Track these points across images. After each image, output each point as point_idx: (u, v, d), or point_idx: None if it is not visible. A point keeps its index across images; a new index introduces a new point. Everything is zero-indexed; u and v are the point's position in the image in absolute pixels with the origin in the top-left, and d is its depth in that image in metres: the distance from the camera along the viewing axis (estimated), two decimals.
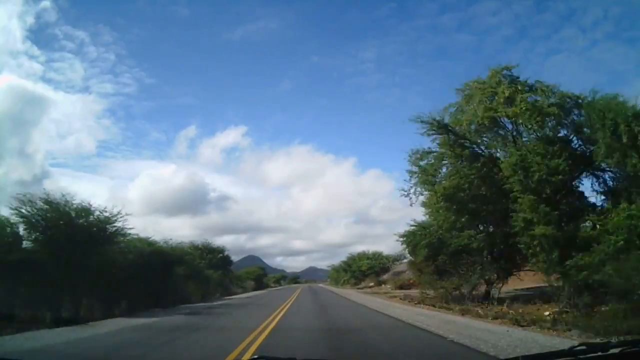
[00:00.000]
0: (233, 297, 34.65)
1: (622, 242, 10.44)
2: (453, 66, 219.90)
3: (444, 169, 17.61)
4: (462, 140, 16.60)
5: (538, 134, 15.03)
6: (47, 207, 14.97)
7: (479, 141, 17.40)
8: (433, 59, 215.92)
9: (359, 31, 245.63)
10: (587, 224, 12.86)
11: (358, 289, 48.57)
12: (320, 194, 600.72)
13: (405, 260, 39.80)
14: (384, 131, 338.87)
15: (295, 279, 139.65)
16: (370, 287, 47.52)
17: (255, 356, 2.79)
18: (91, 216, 16.05)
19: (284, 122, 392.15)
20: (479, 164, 16.13)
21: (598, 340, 6.79)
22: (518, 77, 15.96)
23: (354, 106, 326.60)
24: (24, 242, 15.34)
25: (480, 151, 17.30)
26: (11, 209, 14.51)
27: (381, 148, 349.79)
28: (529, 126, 14.59)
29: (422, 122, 16.39)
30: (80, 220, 15.65)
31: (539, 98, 14.96)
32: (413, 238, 20.84)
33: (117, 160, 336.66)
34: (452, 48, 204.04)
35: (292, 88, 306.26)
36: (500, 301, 15.37)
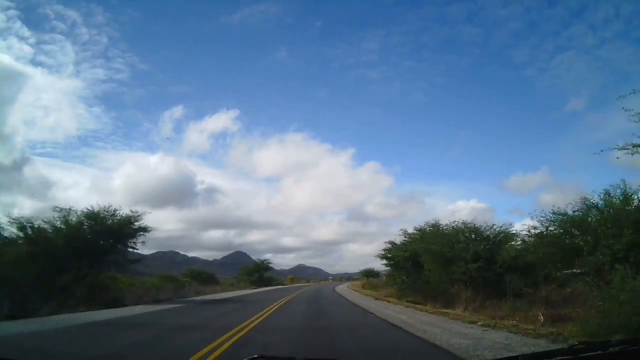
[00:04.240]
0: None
1: None
2: (458, 61, 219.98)
3: None
4: None
5: None
6: None
7: None
8: (438, 52, 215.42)
9: (363, 20, 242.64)
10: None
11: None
12: (313, 188, 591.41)
13: None
14: (384, 125, 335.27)
15: (260, 270, 62.29)
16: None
17: (255, 355, 2.76)
18: None
19: (281, 111, 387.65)
20: None
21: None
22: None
23: (355, 98, 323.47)
24: None
25: None
26: None
27: (381, 141, 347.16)
28: None
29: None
30: None
31: None
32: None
33: (108, 151, 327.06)
34: (458, 41, 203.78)
35: (292, 77, 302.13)
36: None
